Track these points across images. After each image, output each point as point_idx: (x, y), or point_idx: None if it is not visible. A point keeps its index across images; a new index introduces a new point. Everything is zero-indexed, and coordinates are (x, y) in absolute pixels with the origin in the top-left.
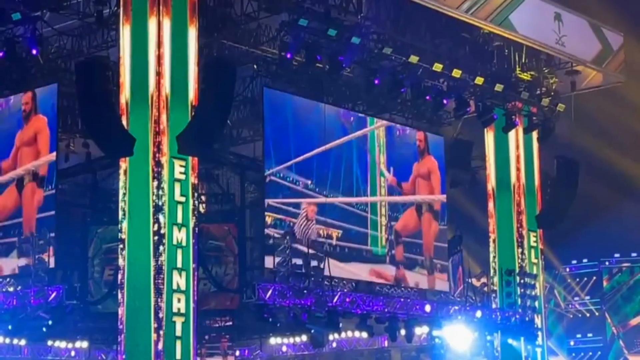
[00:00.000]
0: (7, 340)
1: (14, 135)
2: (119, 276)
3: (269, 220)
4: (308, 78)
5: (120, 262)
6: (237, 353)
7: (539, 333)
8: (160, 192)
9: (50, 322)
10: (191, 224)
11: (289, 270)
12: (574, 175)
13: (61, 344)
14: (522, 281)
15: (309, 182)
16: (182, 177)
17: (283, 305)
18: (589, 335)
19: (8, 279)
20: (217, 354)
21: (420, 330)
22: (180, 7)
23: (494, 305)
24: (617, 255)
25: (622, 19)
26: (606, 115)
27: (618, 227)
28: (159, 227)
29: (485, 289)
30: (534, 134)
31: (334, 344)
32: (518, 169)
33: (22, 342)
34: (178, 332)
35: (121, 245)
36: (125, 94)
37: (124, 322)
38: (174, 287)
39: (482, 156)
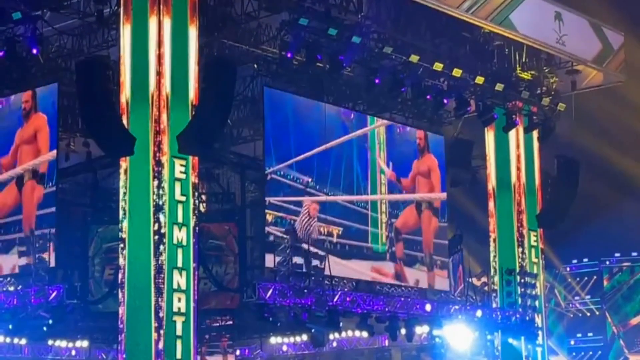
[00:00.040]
0: (8, 340)
1: (14, 133)
2: (120, 275)
3: (269, 218)
4: (308, 77)
5: (121, 261)
6: (238, 352)
7: (540, 332)
8: (161, 192)
9: (50, 322)
10: (191, 223)
11: (289, 269)
12: (575, 174)
13: (62, 343)
14: (522, 280)
15: (310, 179)
16: (183, 176)
17: (283, 304)
18: (590, 334)
19: (9, 278)
20: (217, 352)
21: (421, 330)
22: (181, 7)
23: (494, 305)
24: (617, 254)
25: (623, 19)
26: (607, 114)
27: (618, 227)
28: (160, 227)
29: (486, 288)
30: (535, 134)
31: (335, 344)
32: (518, 169)
33: (23, 342)
34: (178, 332)
35: (122, 245)
36: (125, 94)
37: (124, 322)
38: (175, 286)
39: (482, 155)
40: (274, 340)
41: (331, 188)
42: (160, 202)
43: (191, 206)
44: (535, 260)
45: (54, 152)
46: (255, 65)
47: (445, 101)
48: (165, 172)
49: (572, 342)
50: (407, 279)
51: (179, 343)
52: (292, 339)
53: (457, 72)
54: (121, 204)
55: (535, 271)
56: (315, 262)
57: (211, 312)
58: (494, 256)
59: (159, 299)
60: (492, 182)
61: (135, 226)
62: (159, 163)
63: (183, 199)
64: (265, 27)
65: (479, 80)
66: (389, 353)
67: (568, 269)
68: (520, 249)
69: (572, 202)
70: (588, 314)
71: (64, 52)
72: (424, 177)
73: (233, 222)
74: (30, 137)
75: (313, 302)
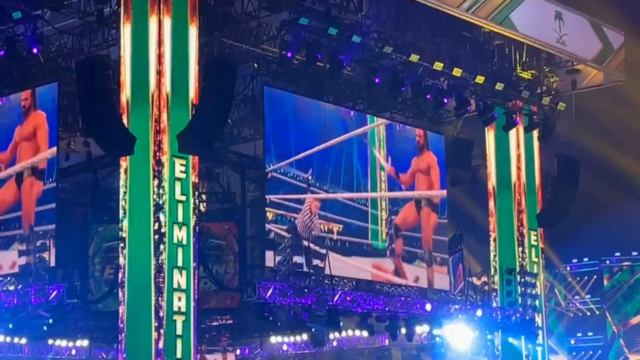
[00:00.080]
0: (8, 339)
1: (13, 130)
2: (120, 275)
3: (270, 216)
4: (308, 77)
5: (121, 260)
6: (238, 352)
7: (540, 332)
8: (161, 191)
9: (50, 321)
10: (192, 223)
11: (289, 268)
12: (575, 174)
13: (62, 343)
14: (522, 280)
15: (310, 177)
16: (183, 175)
17: (283, 303)
18: (590, 334)
19: (9, 278)
20: (218, 352)
21: (421, 329)
22: (181, 6)
23: (494, 304)
24: (617, 254)
25: (623, 18)
26: (607, 114)
27: (619, 226)
28: (160, 226)
29: (486, 287)
30: (535, 133)
31: (335, 343)
32: (519, 168)
33: (23, 341)
34: (179, 331)
35: (122, 244)
36: (125, 93)
37: (124, 321)
38: (175, 285)
39: (482, 155)
40: (274, 339)
41: (331, 185)
42: (161, 202)
43: (191, 205)
44: (536, 259)
45: (54, 149)
46: (256, 65)
47: (445, 101)
48: (166, 172)
49: (572, 342)
50: (406, 275)
51: (179, 342)
52: (292, 339)
53: (457, 72)
54: (121, 203)
55: (535, 270)
56: (315, 262)
57: (211, 311)
58: (494, 255)
59: (159, 299)
60: (492, 182)
61: (136, 225)
62: (159, 162)
63: (183, 198)
64: (266, 27)
65: (479, 79)
66: (389, 352)
67: (568, 268)
68: (521, 249)
69: (572, 201)
70: (588, 314)
71: (64, 52)
72: (423, 174)
73: (233, 222)
74: (29, 135)
75: (313, 301)
